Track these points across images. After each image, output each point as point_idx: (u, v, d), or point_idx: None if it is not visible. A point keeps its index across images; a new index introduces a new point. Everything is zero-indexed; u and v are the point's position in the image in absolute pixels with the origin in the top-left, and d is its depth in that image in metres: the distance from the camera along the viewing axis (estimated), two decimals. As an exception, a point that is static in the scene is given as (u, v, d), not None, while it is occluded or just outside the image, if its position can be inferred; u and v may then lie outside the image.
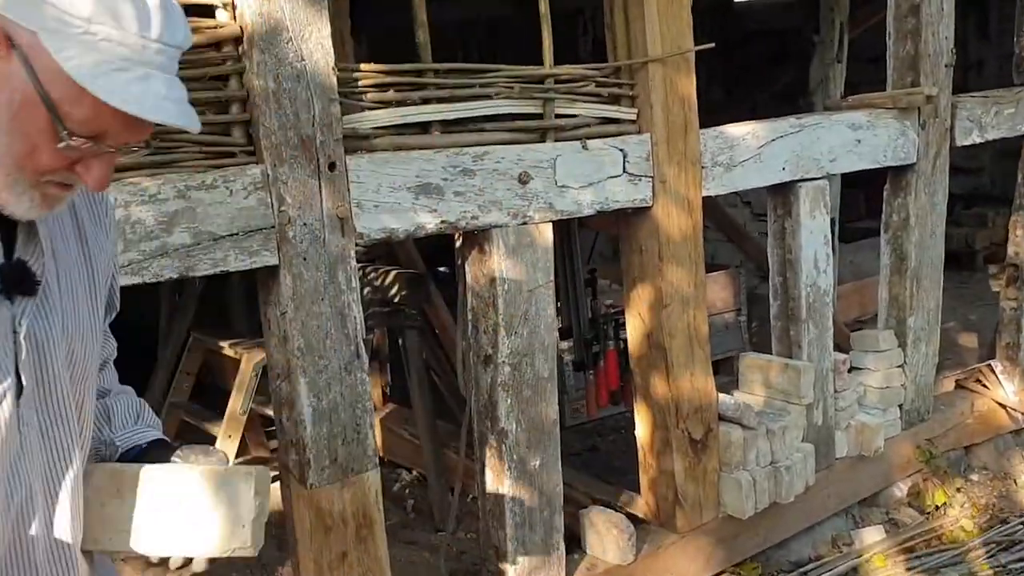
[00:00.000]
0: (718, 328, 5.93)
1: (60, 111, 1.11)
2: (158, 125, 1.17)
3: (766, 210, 3.89)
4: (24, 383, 1.25)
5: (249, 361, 4.08)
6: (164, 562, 1.46)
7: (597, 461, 4.83)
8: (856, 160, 3.82)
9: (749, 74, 7.31)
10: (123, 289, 1.57)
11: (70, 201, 1.29)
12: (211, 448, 1.52)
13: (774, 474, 3.58)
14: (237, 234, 2.38)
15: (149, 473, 1.43)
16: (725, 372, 5.46)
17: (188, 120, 1.16)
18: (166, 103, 1.13)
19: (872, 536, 3.88)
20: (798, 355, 3.81)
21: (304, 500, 2.58)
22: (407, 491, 4.47)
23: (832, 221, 5.45)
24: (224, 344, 4.35)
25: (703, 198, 3.35)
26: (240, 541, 1.43)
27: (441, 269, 4.64)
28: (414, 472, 4.60)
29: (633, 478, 4.56)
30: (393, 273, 4.02)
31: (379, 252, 4.34)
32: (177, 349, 4.84)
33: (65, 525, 1.33)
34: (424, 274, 4.09)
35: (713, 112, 3.58)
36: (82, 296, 1.36)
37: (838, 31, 5.74)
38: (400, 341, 4.14)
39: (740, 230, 6.64)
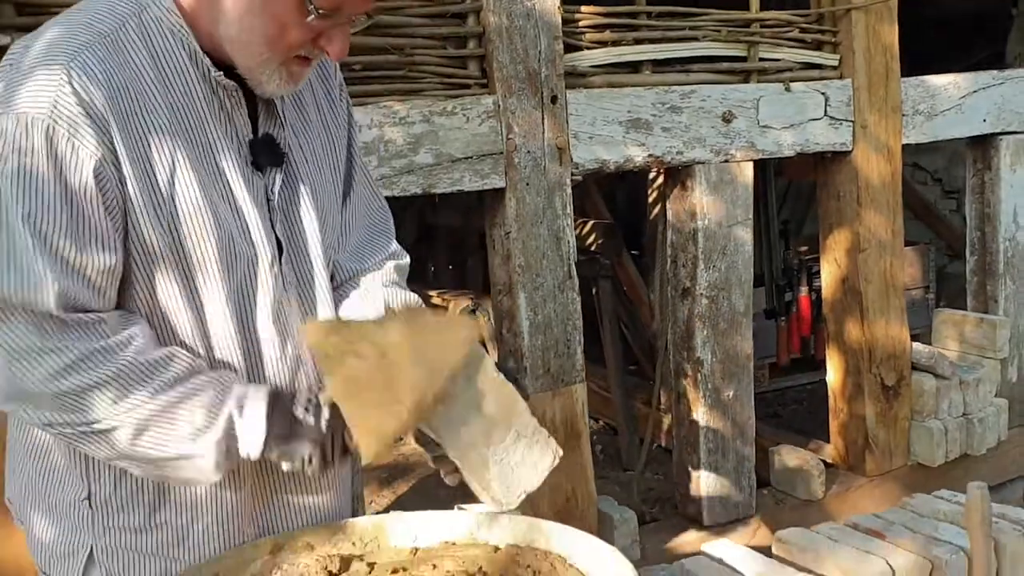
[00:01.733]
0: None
1: None
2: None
3: (957, 187, 3.90)
4: (282, 245, 1.43)
5: (456, 307, 4.41)
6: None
7: (779, 427, 4.91)
8: (1061, 114, 3.78)
9: (942, 50, 7.16)
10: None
11: (307, 79, 1.45)
12: None
13: (966, 425, 3.60)
14: (471, 157, 2.65)
15: (493, 378, 1.45)
16: (912, 348, 5.40)
17: None
18: None
19: (1069, 496, 3.82)
20: (994, 310, 3.81)
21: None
22: (595, 437, 4.68)
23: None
24: (432, 294, 4.70)
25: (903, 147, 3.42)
26: (506, 501, 1.46)
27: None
28: (601, 421, 4.81)
29: (817, 440, 4.59)
30: (590, 223, 4.24)
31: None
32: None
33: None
34: (615, 225, 4.29)
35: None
36: (326, 164, 1.52)
37: (1039, 1, 5.58)
38: (593, 291, 4.35)
39: (930, 207, 6.52)
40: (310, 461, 1.36)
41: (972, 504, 1.88)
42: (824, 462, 3.63)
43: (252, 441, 1.33)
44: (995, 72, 3.65)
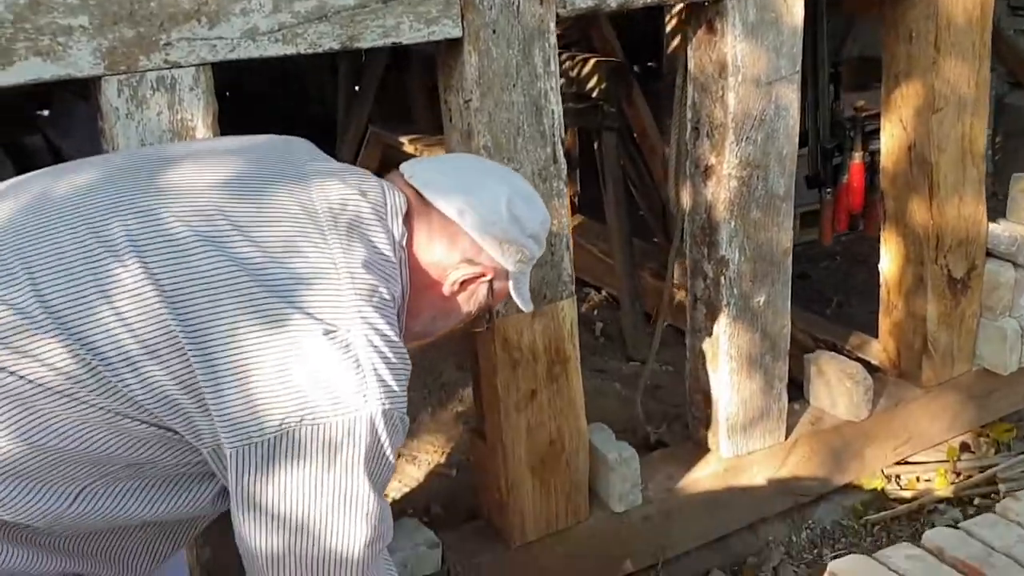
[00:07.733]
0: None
1: None
2: None
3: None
4: None
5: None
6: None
7: (806, 290, 4.24)
8: None
9: None
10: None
11: None
12: None
13: (1048, 325, 2.94)
14: (412, -4, 1.86)
15: None
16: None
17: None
18: None
19: None
20: (1089, 175, 3.06)
21: (489, 329, 2.15)
22: (595, 312, 4.05)
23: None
24: (404, 140, 3.97)
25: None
26: None
27: (650, 64, 4.01)
28: (603, 292, 4.16)
29: (850, 312, 3.97)
30: (592, 62, 3.42)
31: (573, 38, 3.75)
32: (355, 144, 4.51)
33: None
34: (626, 64, 3.48)
35: None
36: None
37: None
38: (595, 144, 3.60)
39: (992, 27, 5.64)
40: None
41: None
42: (869, 365, 3.00)
43: None
44: None
